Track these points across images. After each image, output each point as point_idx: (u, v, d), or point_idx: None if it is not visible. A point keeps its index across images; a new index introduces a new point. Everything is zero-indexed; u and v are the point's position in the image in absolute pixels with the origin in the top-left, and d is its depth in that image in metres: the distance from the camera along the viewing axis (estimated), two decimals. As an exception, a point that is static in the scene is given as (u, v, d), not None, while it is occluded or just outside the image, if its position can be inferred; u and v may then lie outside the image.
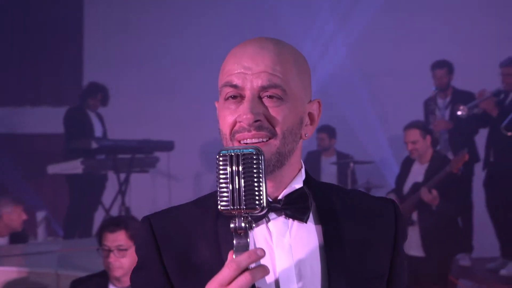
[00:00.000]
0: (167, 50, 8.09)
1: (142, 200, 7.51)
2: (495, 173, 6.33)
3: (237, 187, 1.27)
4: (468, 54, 7.28)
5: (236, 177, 1.27)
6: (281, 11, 7.69)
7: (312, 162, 6.90)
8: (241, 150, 1.28)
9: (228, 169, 1.28)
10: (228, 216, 1.33)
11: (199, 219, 1.48)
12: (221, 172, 1.28)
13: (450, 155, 6.11)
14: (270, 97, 1.40)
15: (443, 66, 6.67)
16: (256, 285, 1.27)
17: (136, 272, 1.49)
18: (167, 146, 7.42)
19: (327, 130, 7.01)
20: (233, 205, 1.27)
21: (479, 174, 6.55)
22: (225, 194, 1.28)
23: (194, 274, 1.42)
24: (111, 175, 7.41)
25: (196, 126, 7.52)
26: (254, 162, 1.27)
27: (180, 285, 1.44)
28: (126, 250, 3.25)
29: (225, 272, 1.24)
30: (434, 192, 5.12)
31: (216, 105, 1.53)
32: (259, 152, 1.28)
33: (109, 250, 3.28)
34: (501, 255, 6.44)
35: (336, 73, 7.67)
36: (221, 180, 1.28)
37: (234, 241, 1.29)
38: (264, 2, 7.97)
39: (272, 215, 1.43)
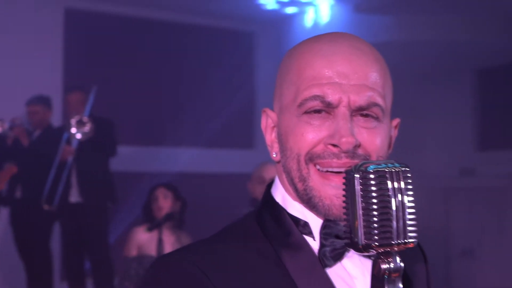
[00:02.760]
0: None
1: None
2: (19, 210, 6.01)
3: (401, 213, 0.98)
4: None
5: (399, 198, 0.98)
6: None
7: None
8: (395, 164, 1.01)
9: (389, 185, 0.98)
10: (292, 251, 1.06)
11: (252, 259, 1.09)
12: (375, 193, 0.97)
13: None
14: (366, 115, 1.12)
15: None
16: None
17: None
18: None
19: None
20: (397, 238, 0.98)
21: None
22: (385, 223, 0.97)
23: None
24: None
25: None
26: (410, 182, 1.01)
27: None
28: None
29: None
30: None
31: (270, 114, 1.18)
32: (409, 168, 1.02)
33: None
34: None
35: None
36: (375, 204, 0.97)
37: (386, 286, 0.98)
38: None
39: (350, 253, 1.13)
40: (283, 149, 1.15)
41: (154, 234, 4.31)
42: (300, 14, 8.90)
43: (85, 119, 5.76)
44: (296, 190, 1.14)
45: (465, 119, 10.14)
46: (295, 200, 1.15)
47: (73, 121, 5.74)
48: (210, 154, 8.61)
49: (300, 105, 1.11)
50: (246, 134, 9.41)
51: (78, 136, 5.71)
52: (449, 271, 10.20)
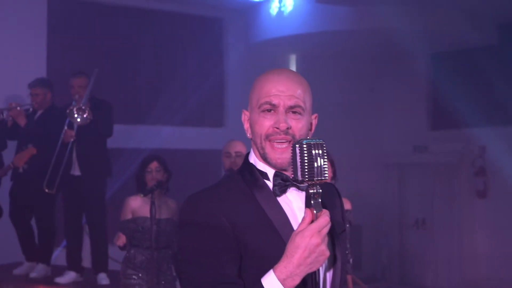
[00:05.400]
0: None
1: None
2: (21, 182, 6.69)
3: (319, 164, 1.77)
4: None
5: (319, 158, 1.77)
6: None
7: None
8: (316, 139, 1.79)
9: (314, 152, 1.77)
10: (258, 189, 1.91)
11: (238, 195, 1.94)
12: (306, 154, 1.77)
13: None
14: (294, 112, 1.96)
15: None
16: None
17: (205, 232, 1.86)
18: None
19: None
20: (317, 176, 1.77)
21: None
22: (311, 169, 1.76)
23: (249, 231, 1.88)
24: None
25: None
26: (325, 148, 1.80)
27: (246, 243, 1.86)
28: None
29: (323, 221, 1.74)
30: None
31: (246, 113, 2.04)
32: (324, 142, 1.81)
33: None
34: (26, 259, 6.86)
35: None
36: (306, 160, 1.76)
37: (312, 202, 1.77)
38: None
39: (291, 189, 1.95)
40: (253, 131, 2.01)
41: (145, 200, 5.10)
42: (266, 2, 9.57)
43: (85, 106, 6.39)
44: (260, 154, 1.99)
45: (419, 101, 10.97)
46: (260, 161, 2.01)
47: (75, 108, 6.38)
48: (184, 132, 9.34)
49: (260, 106, 1.97)
50: (217, 114, 10.11)
51: (79, 121, 6.36)
52: (402, 240, 11.09)
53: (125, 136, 8.32)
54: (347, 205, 5.09)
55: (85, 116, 6.36)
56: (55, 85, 7.08)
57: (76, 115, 6.37)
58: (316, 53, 10.45)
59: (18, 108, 6.72)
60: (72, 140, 6.46)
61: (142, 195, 5.08)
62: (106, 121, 6.59)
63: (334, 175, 5.05)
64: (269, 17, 9.63)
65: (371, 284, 9.93)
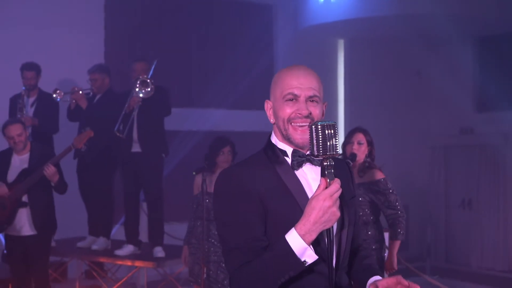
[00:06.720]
0: None
1: None
2: (84, 161, 7.24)
3: (332, 143, 2.14)
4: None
5: (331, 136, 2.14)
6: None
7: None
8: (329, 121, 2.15)
9: (327, 131, 2.14)
10: (279, 164, 2.27)
11: (262, 169, 2.32)
12: (321, 133, 2.13)
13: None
14: (312, 101, 2.34)
15: (32, 69, 7.19)
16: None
17: (235, 203, 2.24)
18: None
19: None
20: (329, 151, 2.13)
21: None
22: (325, 146, 2.13)
23: (272, 198, 2.26)
24: None
25: None
26: (336, 128, 2.17)
27: (269, 208, 2.25)
28: None
29: (334, 187, 2.11)
30: (53, 168, 5.80)
31: (269, 102, 2.42)
32: (336, 124, 2.19)
33: None
34: (89, 233, 7.44)
35: None
36: (321, 138, 2.13)
37: (326, 172, 2.14)
38: None
39: (306, 163, 2.34)
40: (276, 117, 2.37)
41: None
42: (315, -11, 9.87)
43: (148, 80, 6.78)
44: (282, 135, 2.35)
45: (465, 83, 11.09)
46: (280, 141, 2.38)
47: (138, 81, 6.81)
48: (235, 114, 9.75)
49: (284, 97, 2.33)
50: (266, 97, 10.43)
51: (142, 94, 6.76)
52: (448, 220, 11.29)
53: (179, 119, 8.76)
54: (380, 175, 5.24)
55: (148, 89, 6.76)
56: (111, 71, 7.53)
57: (137, 89, 6.76)
58: (363, 38, 10.70)
59: (81, 92, 7.23)
60: (137, 105, 6.80)
61: (194, 173, 5.58)
62: (165, 101, 6.99)
63: (370, 154, 5.34)
64: (317, 3, 9.91)
65: (417, 263, 10.19)
